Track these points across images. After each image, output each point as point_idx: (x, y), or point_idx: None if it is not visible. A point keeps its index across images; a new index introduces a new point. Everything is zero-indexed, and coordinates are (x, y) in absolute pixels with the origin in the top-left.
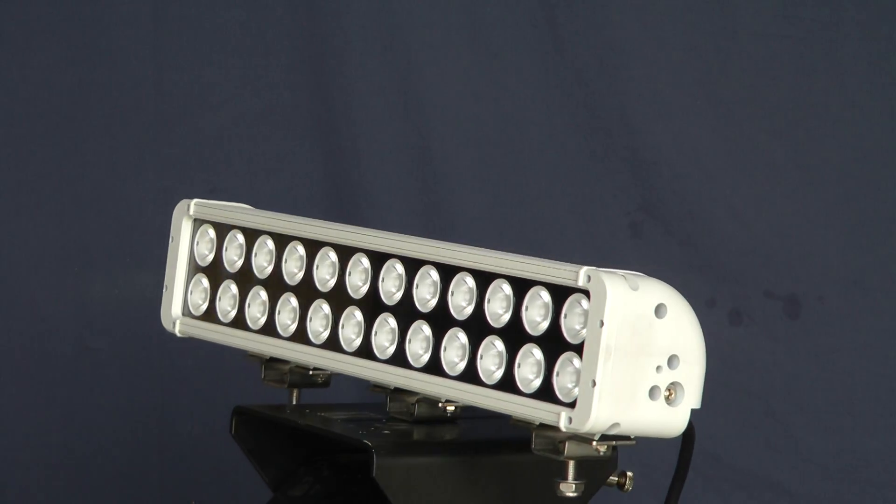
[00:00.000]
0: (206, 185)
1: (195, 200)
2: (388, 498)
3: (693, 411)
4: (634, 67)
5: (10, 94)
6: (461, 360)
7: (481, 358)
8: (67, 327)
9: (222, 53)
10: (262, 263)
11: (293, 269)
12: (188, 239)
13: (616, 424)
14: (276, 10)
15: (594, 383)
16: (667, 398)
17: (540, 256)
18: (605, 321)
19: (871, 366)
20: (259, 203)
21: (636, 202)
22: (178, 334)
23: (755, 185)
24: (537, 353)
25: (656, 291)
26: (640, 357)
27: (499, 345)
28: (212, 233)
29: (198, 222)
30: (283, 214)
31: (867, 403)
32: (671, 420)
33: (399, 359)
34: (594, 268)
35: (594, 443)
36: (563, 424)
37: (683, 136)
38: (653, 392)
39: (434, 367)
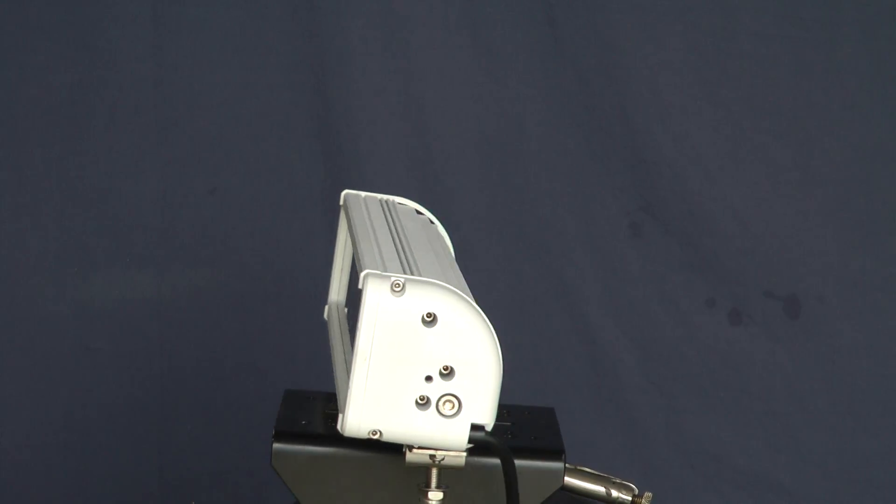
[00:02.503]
0: (206, 185)
1: (345, 192)
2: (286, 484)
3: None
4: (634, 67)
5: (10, 94)
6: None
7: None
8: (67, 327)
9: (222, 53)
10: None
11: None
12: (344, 229)
13: (378, 431)
14: (276, 10)
15: (349, 387)
16: (443, 410)
17: (540, 256)
18: (359, 325)
19: (871, 366)
20: (259, 203)
21: (636, 202)
22: (325, 318)
23: (755, 185)
24: None
25: (428, 300)
26: (404, 365)
27: None
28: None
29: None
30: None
31: (867, 403)
32: (448, 433)
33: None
34: (375, 271)
35: (413, 450)
36: (339, 426)
37: (683, 136)
38: (422, 402)
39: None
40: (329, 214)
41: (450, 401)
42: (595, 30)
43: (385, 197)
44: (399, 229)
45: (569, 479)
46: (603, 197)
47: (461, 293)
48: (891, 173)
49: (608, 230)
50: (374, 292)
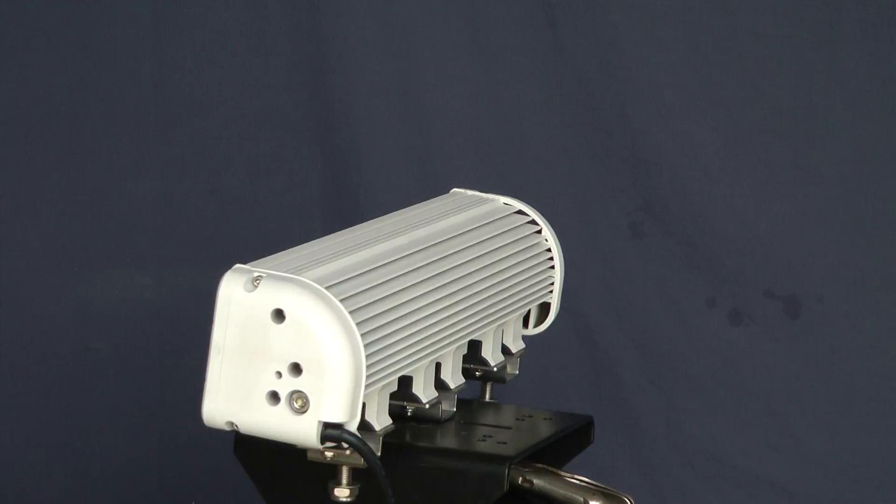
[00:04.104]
0: (206, 185)
1: (452, 190)
2: (248, 475)
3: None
4: (634, 67)
5: (10, 94)
6: None
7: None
8: (67, 327)
9: (222, 53)
10: None
11: None
12: None
13: (232, 423)
14: (276, 10)
15: (205, 379)
16: (294, 406)
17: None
18: (214, 318)
19: (871, 366)
20: (259, 203)
21: (636, 202)
22: None
23: (755, 185)
24: None
25: (279, 296)
26: (255, 360)
27: None
28: None
29: None
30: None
31: (867, 403)
32: (298, 428)
33: None
34: (243, 266)
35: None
36: None
37: (683, 136)
38: (273, 397)
39: None
40: (329, 214)
41: (300, 397)
42: (595, 30)
43: (488, 196)
44: (411, 226)
45: (545, 485)
46: (603, 197)
47: (321, 290)
48: (891, 173)
49: (608, 230)
50: (228, 285)
